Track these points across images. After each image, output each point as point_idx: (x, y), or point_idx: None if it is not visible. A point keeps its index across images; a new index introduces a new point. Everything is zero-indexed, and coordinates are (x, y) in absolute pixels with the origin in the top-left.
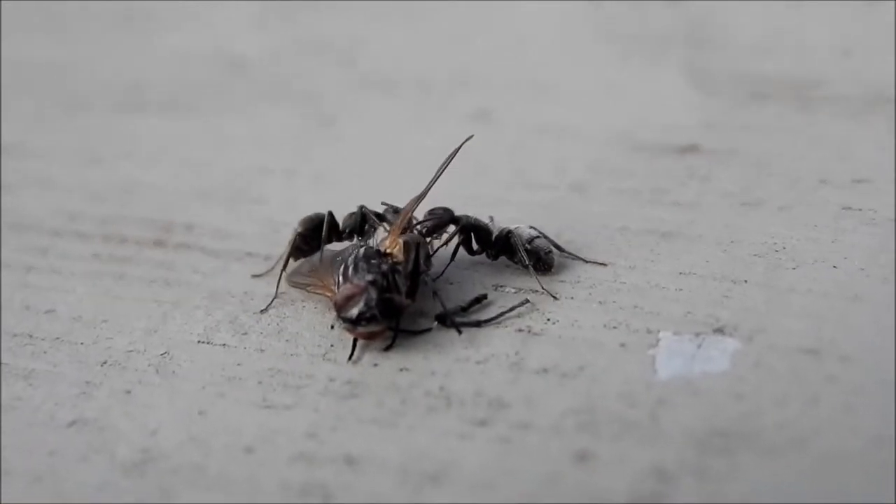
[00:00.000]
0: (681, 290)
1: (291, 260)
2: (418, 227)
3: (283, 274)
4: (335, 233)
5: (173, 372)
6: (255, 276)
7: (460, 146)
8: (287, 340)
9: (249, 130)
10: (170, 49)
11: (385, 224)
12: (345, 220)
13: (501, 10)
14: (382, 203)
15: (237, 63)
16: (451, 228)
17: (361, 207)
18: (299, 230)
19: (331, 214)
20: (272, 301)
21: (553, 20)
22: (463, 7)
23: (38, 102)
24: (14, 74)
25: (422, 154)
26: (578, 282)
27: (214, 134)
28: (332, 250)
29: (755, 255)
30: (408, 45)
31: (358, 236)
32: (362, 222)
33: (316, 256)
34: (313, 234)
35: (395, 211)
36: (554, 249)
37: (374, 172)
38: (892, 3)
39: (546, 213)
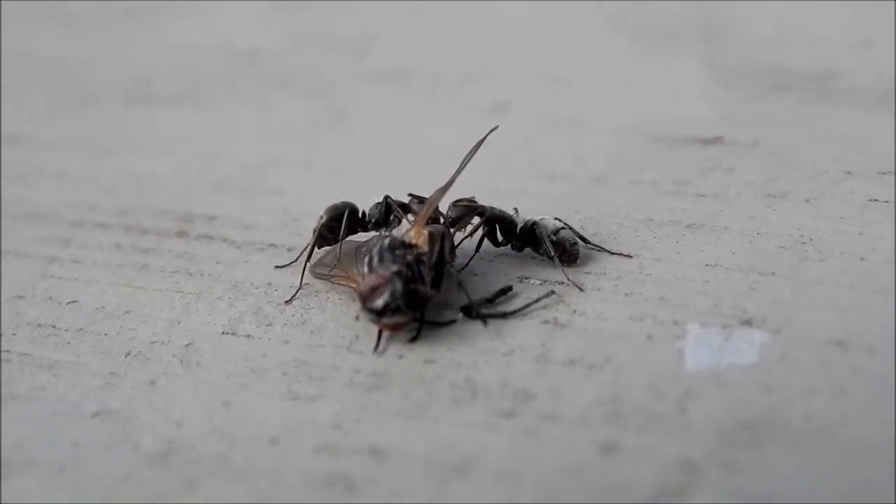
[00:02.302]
0: (707, 282)
1: (316, 248)
2: (443, 218)
3: (308, 264)
4: (359, 224)
5: (197, 363)
6: (278, 266)
7: (486, 136)
8: (311, 332)
9: (261, 122)
10: (180, 41)
11: (410, 215)
12: (370, 210)
13: (516, 2)
14: (409, 195)
15: (248, 55)
16: (476, 220)
17: (386, 198)
18: (324, 219)
19: (352, 207)
20: (297, 292)
21: (569, 12)
22: None
23: (48, 95)
24: (24, 67)
25: (436, 146)
26: (604, 273)
27: (226, 126)
28: (356, 241)
29: (781, 247)
30: (421, 37)
31: (382, 227)
32: (387, 213)
33: (337, 248)
34: (339, 223)
35: (420, 202)
36: (579, 241)
37: (388, 164)
38: None
39: (567, 204)
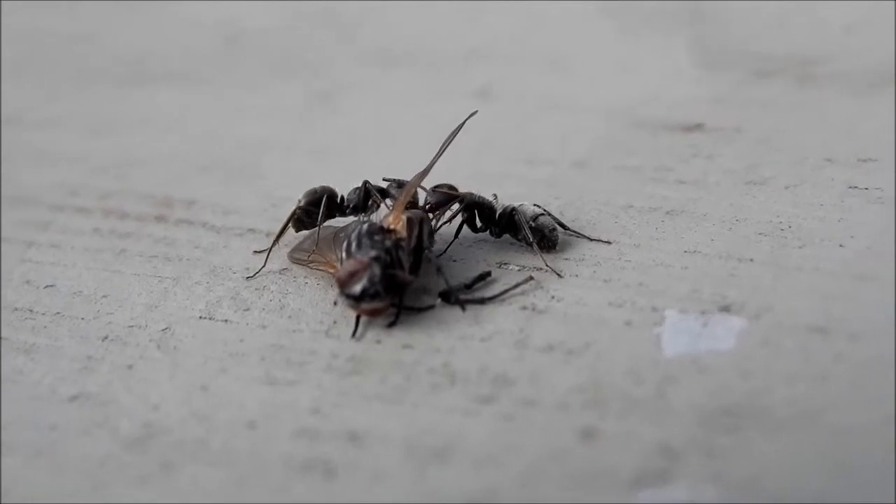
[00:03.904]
0: (686, 268)
1: (293, 232)
2: (422, 203)
3: (275, 244)
4: (337, 208)
5: (175, 347)
6: (256, 251)
7: (465, 121)
8: (289, 317)
9: (250, 104)
10: (170, 22)
11: (388, 200)
12: (348, 195)
13: None
14: (384, 178)
15: (238, 37)
16: (455, 206)
17: (365, 182)
18: (302, 203)
19: (331, 191)
20: (260, 269)
21: None
22: None
23: (39, 75)
24: (18, 46)
25: (423, 129)
26: (583, 259)
27: (215, 108)
28: (334, 226)
29: (761, 233)
30: (410, 20)
31: (361, 212)
32: (365, 198)
33: (315, 233)
34: (317, 208)
35: (399, 186)
36: (558, 227)
37: (375, 148)
38: None
39: (549, 189)
